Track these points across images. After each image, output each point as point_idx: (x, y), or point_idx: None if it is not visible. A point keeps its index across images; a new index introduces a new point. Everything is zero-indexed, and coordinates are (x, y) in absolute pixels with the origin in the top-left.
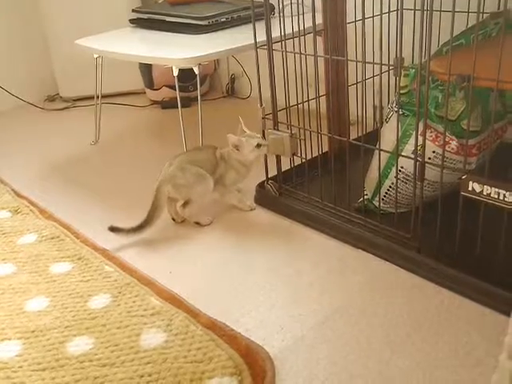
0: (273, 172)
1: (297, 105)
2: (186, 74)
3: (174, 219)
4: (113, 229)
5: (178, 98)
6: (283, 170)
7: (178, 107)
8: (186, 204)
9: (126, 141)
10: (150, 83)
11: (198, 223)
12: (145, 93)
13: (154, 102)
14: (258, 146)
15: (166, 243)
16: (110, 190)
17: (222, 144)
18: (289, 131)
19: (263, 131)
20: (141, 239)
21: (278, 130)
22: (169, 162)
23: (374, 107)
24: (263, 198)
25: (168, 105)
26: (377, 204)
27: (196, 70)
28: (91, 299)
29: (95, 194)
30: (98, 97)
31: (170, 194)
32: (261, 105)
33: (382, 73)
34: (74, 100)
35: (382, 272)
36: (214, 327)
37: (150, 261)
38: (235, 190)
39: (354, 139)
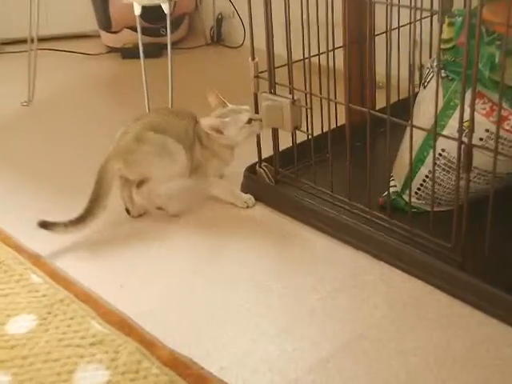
0: (267, 151)
1: (302, 60)
2: (156, 13)
3: (128, 211)
4: (44, 224)
5: (140, 45)
6: (281, 149)
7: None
8: (141, 182)
9: (69, 101)
10: (106, 24)
11: (160, 209)
12: (99, 36)
13: (112, 50)
14: (250, 121)
15: (116, 245)
16: (46, 168)
17: (200, 112)
18: (290, 96)
19: (255, 95)
20: (82, 238)
21: (275, 94)
22: (124, 129)
23: (410, 65)
24: (253, 186)
25: (130, 53)
26: (408, 199)
27: (166, 8)
28: (10, 321)
29: (24, 174)
30: (32, 40)
31: (122, 173)
32: (252, 58)
33: (421, 18)
34: (3, 43)
35: (410, 293)
36: (175, 364)
37: (94, 269)
38: (220, 179)
39: (379, 109)
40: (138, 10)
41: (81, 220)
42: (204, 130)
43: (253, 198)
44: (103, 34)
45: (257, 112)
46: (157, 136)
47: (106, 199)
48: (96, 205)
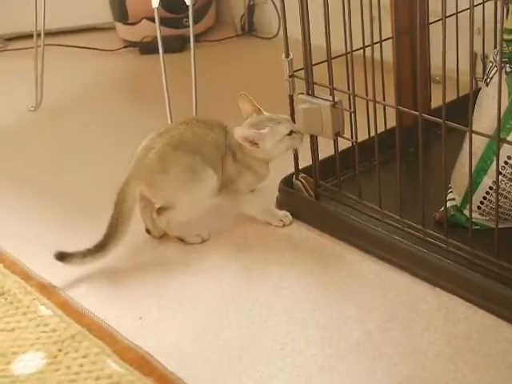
0: (305, 161)
1: (345, 54)
2: (178, 0)
3: (148, 231)
4: (61, 256)
5: (159, 38)
6: (321, 158)
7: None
8: (163, 209)
9: (82, 105)
10: (122, 14)
11: (181, 240)
12: (114, 29)
13: (129, 44)
14: (291, 133)
15: (135, 271)
16: (58, 185)
17: (230, 117)
18: (330, 98)
19: (290, 98)
20: (98, 266)
21: (313, 95)
22: (147, 143)
23: (472, 57)
24: (290, 201)
25: (150, 48)
26: (468, 215)
27: None
28: (16, 360)
29: (33, 193)
30: (38, 35)
31: (144, 194)
32: (286, 55)
33: (484, 2)
34: (7, 39)
35: (472, 327)
36: None
37: (110, 299)
38: (254, 195)
39: (435, 108)
40: (156, 2)
41: (100, 248)
42: (237, 141)
43: (289, 215)
44: (119, 26)
45: (292, 117)
46: (186, 156)
47: (128, 225)
48: (116, 231)
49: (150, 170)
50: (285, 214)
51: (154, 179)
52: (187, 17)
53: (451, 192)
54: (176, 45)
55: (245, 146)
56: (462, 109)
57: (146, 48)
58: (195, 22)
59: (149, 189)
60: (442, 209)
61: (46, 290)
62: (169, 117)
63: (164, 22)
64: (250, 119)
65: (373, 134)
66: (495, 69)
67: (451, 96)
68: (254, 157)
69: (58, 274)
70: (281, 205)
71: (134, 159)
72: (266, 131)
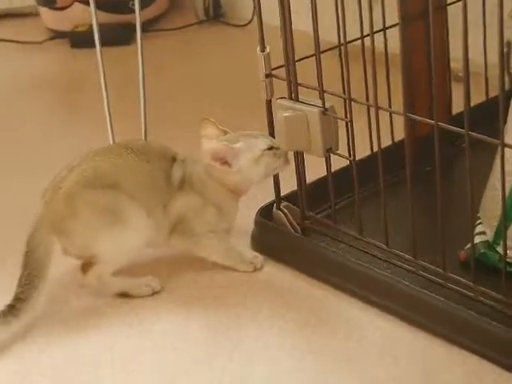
0: (288, 185)
1: (338, 46)
2: None
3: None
4: None
5: (95, 26)
6: (309, 181)
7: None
8: (87, 265)
9: None
10: None
11: (124, 294)
12: (38, 15)
13: (58, 35)
14: (270, 149)
15: (60, 341)
16: None
17: (191, 128)
18: (320, 103)
19: (268, 104)
20: (17, 337)
21: (297, 100)
22: (55, 181)
23: (502, 48)
24: (269, 238)
25: (85, 39)
26: (503, 253)
27: None
28: None
29: None
30: None
31: (61, 246)
32: (262, 49)
33: None
34: None
35: None
36: None
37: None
38: (219, 233)
39: (456, 116)
40: None
41: (11, 311)
42: (193, 167)
43: (260, 257)
44: (44, 11)
45: (272, 132)
46: (101, 194)
47: (44, 280)
48: (29, 289)
49: (57, 215)
50: (254, 256)
51: (64, 226)
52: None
53: (480, 224)
54: (119, 35)
55: (208, 174)
56: (492, 114)
57: (80, 40)
58: (144, 5)
59: (60, 239)
60: (469, 246)
61: None
62: (109, 130)
63: (103, 5)
64: (219, 138)
65: (376, 149)
66: None
67: (478, 98)
68: (219, 188)
69: None
70: (257, 243)
71: (42, 200)
72: (239, 145)
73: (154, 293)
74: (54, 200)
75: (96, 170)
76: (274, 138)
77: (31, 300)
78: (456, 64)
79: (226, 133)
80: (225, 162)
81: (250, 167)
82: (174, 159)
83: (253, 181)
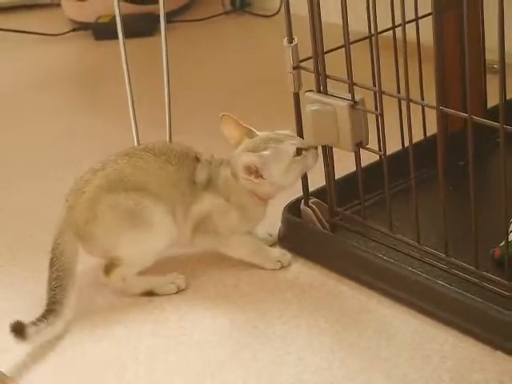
0: (317, 181)
1: (369, 37)
2: None
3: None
4: (16, 328)
5: (119, 17)
6: (338, 177)
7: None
8: (110, 267)
9: (16, 109)
10: None
11: (149, 293)
12: (60, 6)
13: (81, 26)
14: (299, 152)
15: (88, 338)
16: None
17: (215, 127)
18: (349, 96)
19: (295, 97)
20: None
21: (326, 93)
22: (78, 184)
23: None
24: (297, 235)
25: (108, 31)
26: None
27: None
28: None
29: None
30: None
31: (85, 249)
32: (290, 40)
33: None
34: None
35: None
36: None
37: (60, 377)
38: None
39: (491, 109)
40: None
41: (50, 313)
42: (219, 170)
43: (288, 254)
44: (66, 2)
45: (300, 126)
46: (123, 198)
47: (72, 282)
48: (61, 292)
49: (80, 219)
50: (282, 253)
51: (87, 231)
52: None
53: None
54: (143, 27)
55: (237, 178)
56: None
57: (103, 31)
58: None
59: (84, 243)
60: (503, 243)
61: None
62: (133, 124)
63: None
64: (242, 146)
65: (407, 143)
66: None
67: None
68: (247, 195)
69: None
70: (285, 240)
71: (66, 205)
72: (268, 153)
73: (180, 290)
74: (77, 204)
75: (119, 174)
76: (301, 131)
77: (66, 301)
78: (491, 56)
79: (248, 130)
80: (258, 175)
81: (282, 175)
82: (197, 159)
83: (283, 188)
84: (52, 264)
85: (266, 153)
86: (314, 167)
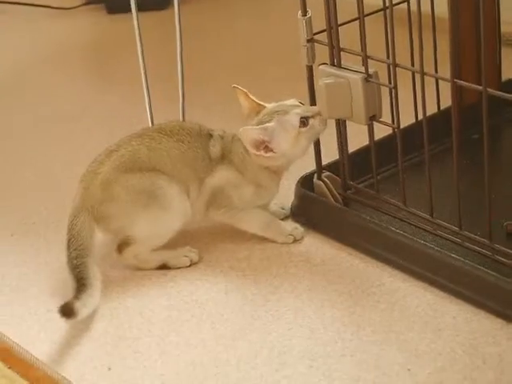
0: (330, 155)
1: (383, 10)
2: None
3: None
4: (65, 310)
5: None
6: (352, 150)
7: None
8: (123, 245)
9: (30, 82)
10: None
11: (162, 266)
12: None
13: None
14: (305, 120)
15: (101, 311)
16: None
17: (231, 99)
18: (363, 69)
19: (309, 70)
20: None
21: (339, 66)
22: (93, 166)
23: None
24: (310, 208)
25: (121, 4)
26: None
27: None
28: None
29: None
30: None
31: (100, 229)
32: (304, 12)
33: None
34: None
35: None
36: None
37: (72, 348)
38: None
39: (506, 82)
40: None
41: (87, 287)
42: (232, 145)
43: (300, 228)
44: None
45: (313, 99)
46: (138, 178)
47: (92, 259)
48: (84, 268)
49: (95, 200)
50: (294, 227)
51: (102, 211)
52: None
53: None
54: (156, 0)
55: (249, 153)
56: None
57: (116, 4)
58: None
59: (99, 223)
60: None
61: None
62: (146, 98)
63: None
64: (252, 121)
65: (421, 116)
66: None
67: None
68: (260, 168)
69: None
70: (298, 213)
71: (80, 186)
72: (272, 124)
73: (192, 264)
74: (92, 186)
75: (133, 155)
76: (314, 105)
77: (93, 275)
78: (507, 27)
79: (257, 105)
80: (268, 149)
81: (290, 147)
82: (210, 135)
83: (294, 160)
84: (70, 245)
85: (269, 124)
86: (328, 141)
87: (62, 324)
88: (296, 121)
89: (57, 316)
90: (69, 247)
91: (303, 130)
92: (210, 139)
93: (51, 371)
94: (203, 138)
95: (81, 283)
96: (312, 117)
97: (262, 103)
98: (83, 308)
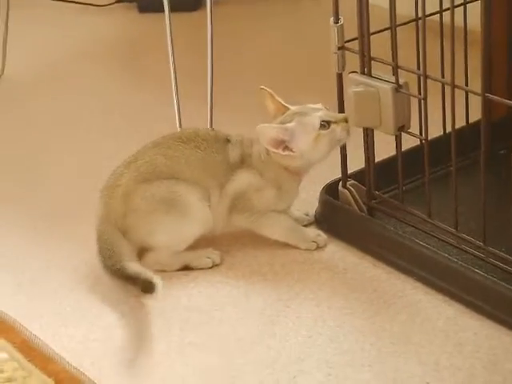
0: (356, 163)
1: (415, 20)
2: None
3: None
4: (147, 287)
5: None
6: (378, 160)
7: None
8: (145, 251)
9: (60, 78)
10: None
11: (185, 267)
12: None
13: None
14: (326, 124)
15: (118, 312)
16: (22, 186)
17: (257, 105)
18: (393, 79)
19: (339, 77)
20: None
21: (370, 75)
22: (113, 179)
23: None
24: (334, 217)
25: (152, 4)
26: None
27: None
28: None
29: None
30: None
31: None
32: (336, 19)
33: None
34: None
35: None
36: None
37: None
38: (281, 212)
39: None
40: None
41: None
42: (251, 148)
43: (323, 235)
44: None
45: (342, 107)
46: (156, 187)
47: (128, 250)
48: (123, 260)
49: (117, 213)
50: (317, 234)
51: (124, 223)
52: None
53: None
54: (188, 1)
55: (269, 155)
56: None
57: (147, 4)
58: None
59: (124, 235)
60: None
61: (3, 325)
62: (175, 99)
63: None
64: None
65: (449, 129)
66: None
67: None
68: (280, 170)
69: (20, 307)
70: (321, 221)
71: (102, 200)
72: (292, 125)
73: (214, 265)
74: (113, 199)
75: (151, 165)
76: (343, 113)
77: (133, 271)
78: None
79: (283, 107)
80: (286, 148)
81: (309, 149)
82: (227, 140)
83: (314, 162)
84: (102, 253)
85: (290, 125)
86: (355, 150)
87: (81, 319)
88: (316, 123)
89: (77, 311)
90: (102, 256)
91: (323, 132)
92: (228, 144)
93: (70, 366)
94: (220, 143)
95: (131, 278)
96: (335, 122)
97: (287, 105)
98: (159, 282)
